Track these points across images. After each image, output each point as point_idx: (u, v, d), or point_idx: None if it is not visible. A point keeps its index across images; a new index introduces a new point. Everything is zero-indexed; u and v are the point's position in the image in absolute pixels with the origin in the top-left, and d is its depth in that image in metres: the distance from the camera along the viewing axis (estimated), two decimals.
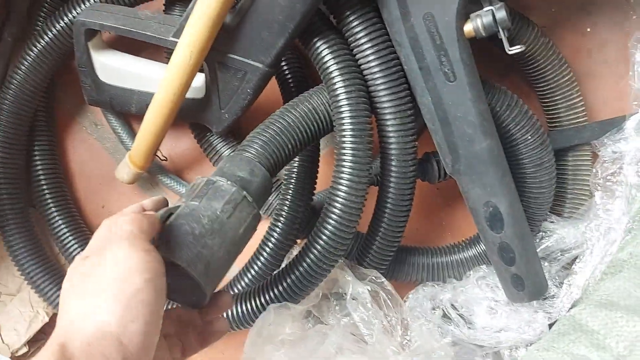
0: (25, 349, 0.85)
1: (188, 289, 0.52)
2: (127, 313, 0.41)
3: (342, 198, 0.64)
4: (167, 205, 0.56)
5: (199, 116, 0.77)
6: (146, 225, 0.47)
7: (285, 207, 0.78)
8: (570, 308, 0.76)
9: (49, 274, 0.83)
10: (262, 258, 0.78)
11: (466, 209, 0.91)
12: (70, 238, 0.83)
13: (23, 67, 0.76)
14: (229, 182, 0.56)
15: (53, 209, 0.83)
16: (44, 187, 0.83)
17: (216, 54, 0.68)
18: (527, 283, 0.74)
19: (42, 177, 0.83)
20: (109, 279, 0.42)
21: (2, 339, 0.84)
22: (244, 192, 0.56)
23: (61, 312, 0.43)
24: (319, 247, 0.66)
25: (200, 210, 0.52)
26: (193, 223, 0.51)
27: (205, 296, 0.51)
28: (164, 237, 0.50)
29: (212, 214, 0.52)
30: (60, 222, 0.83)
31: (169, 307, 0.67)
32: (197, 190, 0.55)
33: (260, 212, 0.83)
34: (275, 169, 0.64)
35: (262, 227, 0.81)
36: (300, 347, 0.65)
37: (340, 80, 0.64)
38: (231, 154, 0.63)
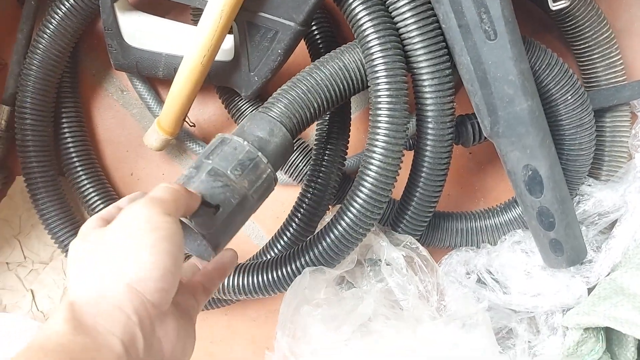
0: None
1: (197, 241, 0.53)
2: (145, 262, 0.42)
3: (378, 160, 0.63)
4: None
5: (227, 79, 0.75)
6: (174, 195, 0.46)
7: (317, 173, 0.76)
8: (610, 272, 0.75)
9: None
10: (294, 224, 0.76)
11: (499, 173, 0.90)
12: (102, 206, 0.81)
13: (48, 31, 0.74)
14: (245, 142, 0.55)
15: (83, 177, 0.82)
16: (73, 155, 0.82)
17: (246, 13, 0.65)
18: (566, 248, 0.72)
19: (70, 145, 0.82)
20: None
21: (37, 306, 0.84)
22: (259, 153, 0.55)
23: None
24: (354, 210, 0.65)
25: None
26: None
27: (209, 250, 0.51)
28: None
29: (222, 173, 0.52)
30: (90, 189, 0.82)
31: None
32: (212, 147, 0.55)
33: (286, 176, 0.84)
34: (299, 128, 0.62)
35: (294, 195, 0.80)
36: (336, 309, 0.64)
37: (375, 38, 0.62)
38: (254, 112, 0.62)
